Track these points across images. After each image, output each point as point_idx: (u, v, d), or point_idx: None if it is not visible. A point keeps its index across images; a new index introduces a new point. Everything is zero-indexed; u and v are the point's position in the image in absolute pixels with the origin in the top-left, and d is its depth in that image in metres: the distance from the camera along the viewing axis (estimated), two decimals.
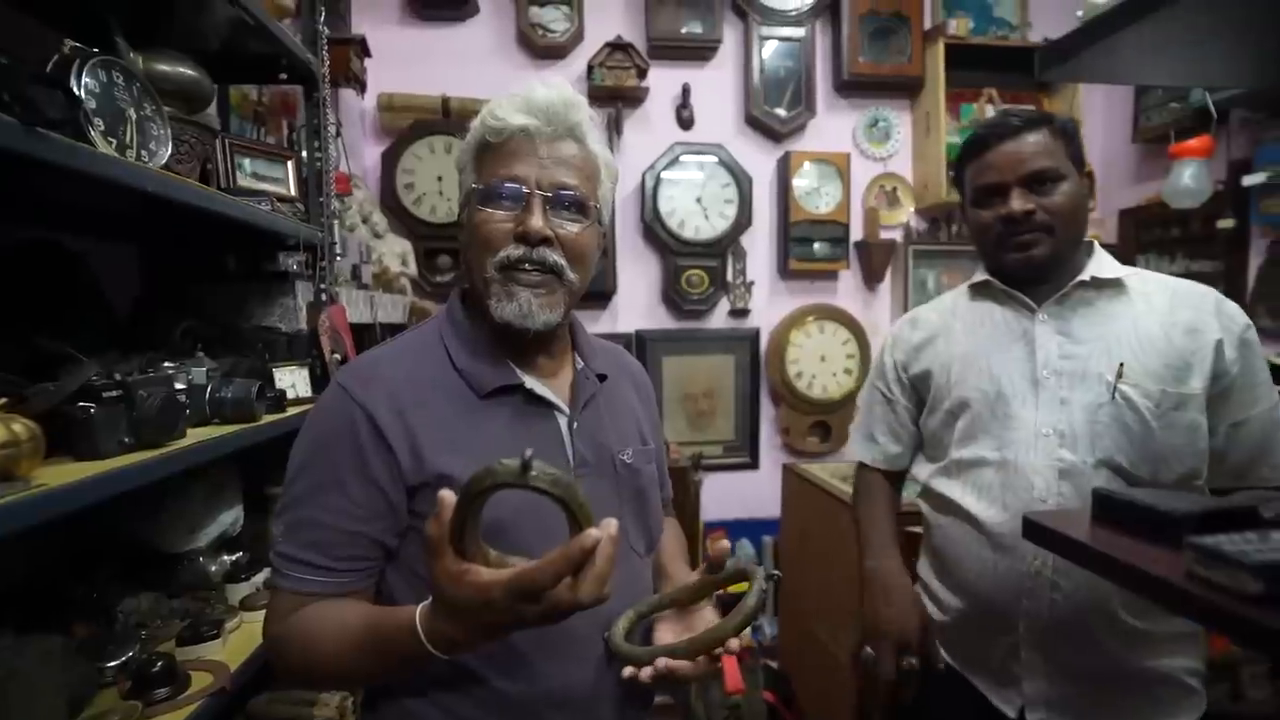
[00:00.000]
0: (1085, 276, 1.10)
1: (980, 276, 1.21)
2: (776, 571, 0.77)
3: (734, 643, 0.75)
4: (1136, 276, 1.12)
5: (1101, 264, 1.11)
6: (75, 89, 0.82)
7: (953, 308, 1.25)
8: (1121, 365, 1.04)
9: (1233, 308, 1.06)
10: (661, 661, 0.75)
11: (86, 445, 0.86)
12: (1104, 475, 1.03)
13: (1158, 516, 0.55)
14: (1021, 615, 1.07)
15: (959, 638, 1.17)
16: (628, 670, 0.77)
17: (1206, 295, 1.07)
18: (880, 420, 1.32)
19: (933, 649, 1.15)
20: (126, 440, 0.90)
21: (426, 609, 0.66)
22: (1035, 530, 0.71)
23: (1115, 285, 1.10)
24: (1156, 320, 1.06)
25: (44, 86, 0.72)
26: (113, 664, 1.00)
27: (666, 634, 0.84)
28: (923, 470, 1.26)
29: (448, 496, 0.59)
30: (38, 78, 0.74)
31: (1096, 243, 1.15)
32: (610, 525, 0.59)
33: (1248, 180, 2.18)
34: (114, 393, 0.90)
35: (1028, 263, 1.10)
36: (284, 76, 1.54)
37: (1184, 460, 1.02)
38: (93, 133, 0.85)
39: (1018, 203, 1.08)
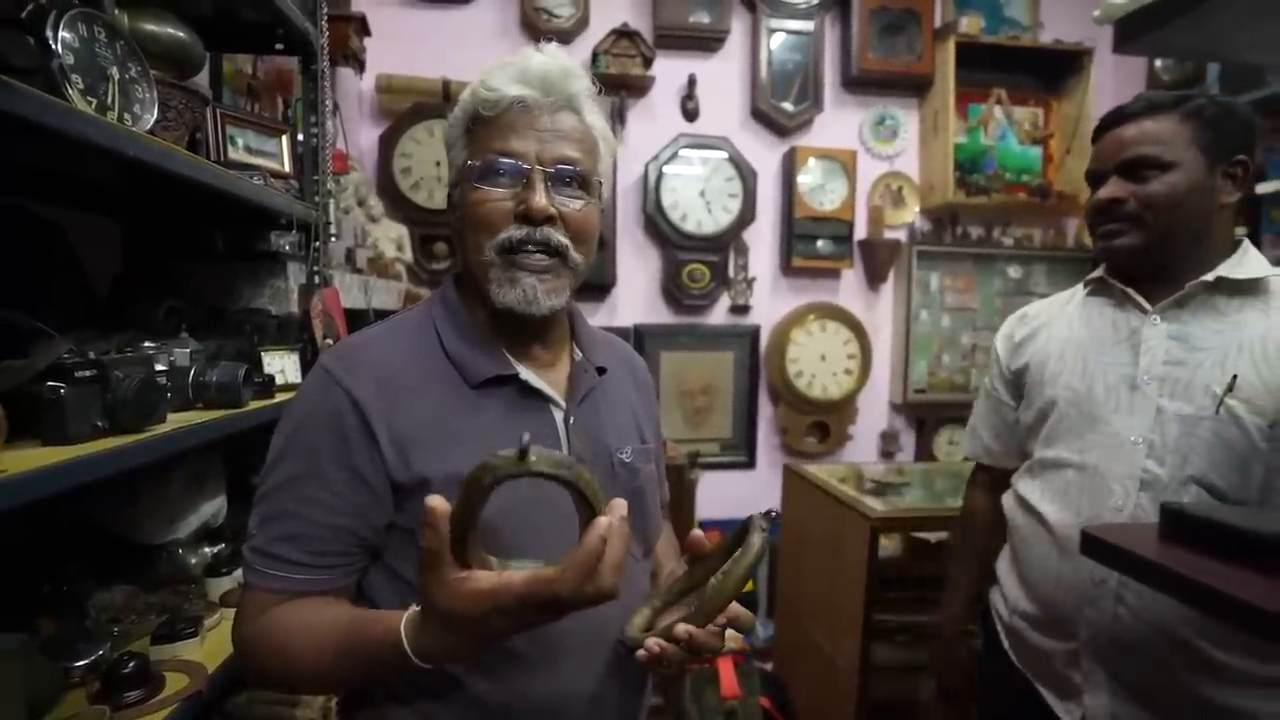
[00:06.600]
0: (1209, 277, 1.00)
1: (1099, 272, 1.15)
2: (774, 509, 0.70)
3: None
4: None
5: (1240, 263, 1.01)
6: (51, 41, 0.76)
7: (1064, 302, 1.21)
8: (1235, 378, 0.94)
9: None
10: (681, 627, 0.65)
11: (55, 428, 0.79)
12: (1193, 493, 0.96)
13: (1245, 537, 0.50)
14: (1083, 624, 1.03)
15: (1025, 640, 1.15)
16: (642, 653, 0.70)
17: None
18: (984, 415, 1.31)
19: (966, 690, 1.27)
20: (100, 424, 0.84)
21: (414, 619, 0.61)
22: (1093, 545, 0.65)
23: (1252, 287, 0.99)
24: None
25: (13, 31, 0.65)
26: (81, 663, 0.93)
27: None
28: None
29: (440, 505, 0.53)
30: (3, 22, 0.67)
31: (1247, 240, 1.05)
32: (619, 507, 0.55)
33: (1261, 188, 2.15)
34: (88, 372, 0.84)
35: (1109, 253, 1.07)
36: (280, 47, 1.46)
37: None
38: (70, 90, 0.78)
39: (1105, 190, 1.05)
